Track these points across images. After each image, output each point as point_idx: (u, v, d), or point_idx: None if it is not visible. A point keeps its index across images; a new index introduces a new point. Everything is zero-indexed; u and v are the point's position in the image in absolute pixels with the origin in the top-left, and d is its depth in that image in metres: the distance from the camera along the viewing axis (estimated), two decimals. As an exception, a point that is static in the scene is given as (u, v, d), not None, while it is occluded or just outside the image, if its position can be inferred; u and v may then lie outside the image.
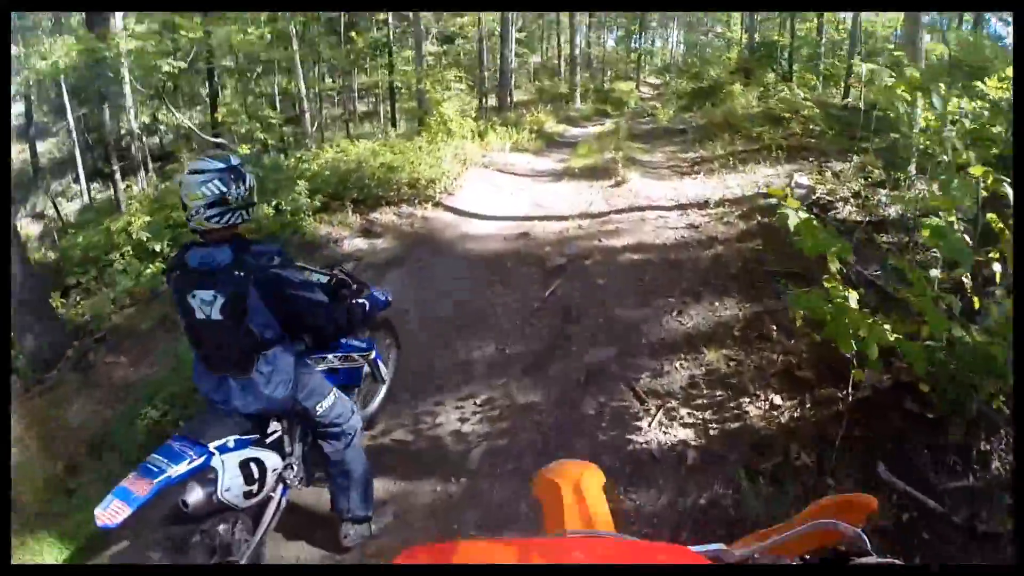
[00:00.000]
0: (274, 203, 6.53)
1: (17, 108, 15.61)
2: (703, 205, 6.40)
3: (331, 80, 16.98)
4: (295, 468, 2.77)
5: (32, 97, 16.26)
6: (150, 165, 12.30)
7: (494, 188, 8.40)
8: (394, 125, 14.85)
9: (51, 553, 3.12)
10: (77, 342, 5.28)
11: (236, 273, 2.27)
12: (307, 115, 11.98)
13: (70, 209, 14.01)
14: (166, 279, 2.51)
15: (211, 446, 2.37)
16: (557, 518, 1.15)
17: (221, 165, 2.32)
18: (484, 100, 18.17)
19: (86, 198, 13.82)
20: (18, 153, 16.36)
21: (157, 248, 6.37)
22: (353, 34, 14.05)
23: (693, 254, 5.25)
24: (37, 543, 3.16)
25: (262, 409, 2.50)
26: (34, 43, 10.85)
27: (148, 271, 6.00)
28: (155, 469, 2.24)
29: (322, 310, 2.46)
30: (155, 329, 5.23)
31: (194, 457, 2.31)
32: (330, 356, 2.95)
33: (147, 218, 6.90)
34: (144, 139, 12.37)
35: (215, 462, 2.36)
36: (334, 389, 2.72)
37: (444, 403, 3.80)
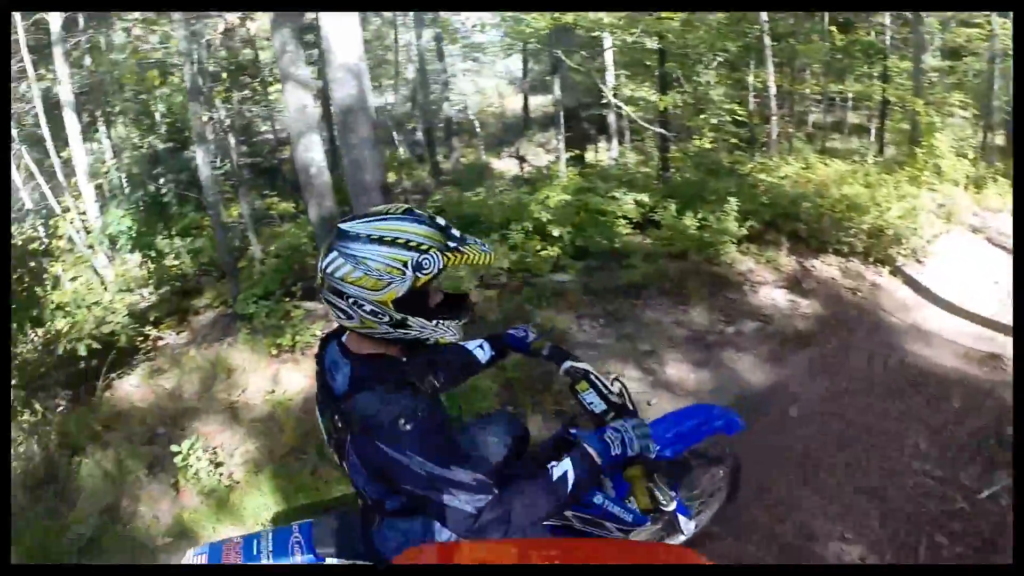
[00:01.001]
0: (700, 215, 5.88)
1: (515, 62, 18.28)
2: None
3: (813, 82, 15.18)
4: None
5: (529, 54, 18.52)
6: (625, 137, 12.70)
7: (976, 266, 6.40)
8: (882, 150, 12.74)
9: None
10: None
11: (335, 419, 1.56)
12: (773, 118, 11.00)
13: (540, 162, 14.96)
14: None
15: (319, 550, 2.00)
16: None
17: (375, 232, 1.52)
18: (988, 137, 14.35)
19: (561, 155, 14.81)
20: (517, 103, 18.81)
21: (556, 233, 5.79)
22: (833, 29, 12.23)
23: None
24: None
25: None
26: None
27: (529, 258, 5.48)
28: (256, 551, 2.02)
29: (461, 522, 1.32)
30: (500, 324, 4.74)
31: (299, 562, 2.00)
32: (568, 514, 2.02)
33: (565, 197, 6.27)
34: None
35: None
36: None
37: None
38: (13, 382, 4.36)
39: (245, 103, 10.41)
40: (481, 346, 2.14)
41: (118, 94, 11.23)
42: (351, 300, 1.48)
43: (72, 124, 8.56)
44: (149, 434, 4.19)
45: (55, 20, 8.22)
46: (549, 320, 4.92)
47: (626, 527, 2.05)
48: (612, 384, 2.02)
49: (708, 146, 8.75)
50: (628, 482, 1.60)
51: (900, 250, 5.96)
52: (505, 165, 14.53)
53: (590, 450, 1.54)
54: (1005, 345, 4.76)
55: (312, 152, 5.28)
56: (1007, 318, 5.16)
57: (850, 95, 15.05)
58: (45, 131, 8.63)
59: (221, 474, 3.79)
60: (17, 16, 7.97)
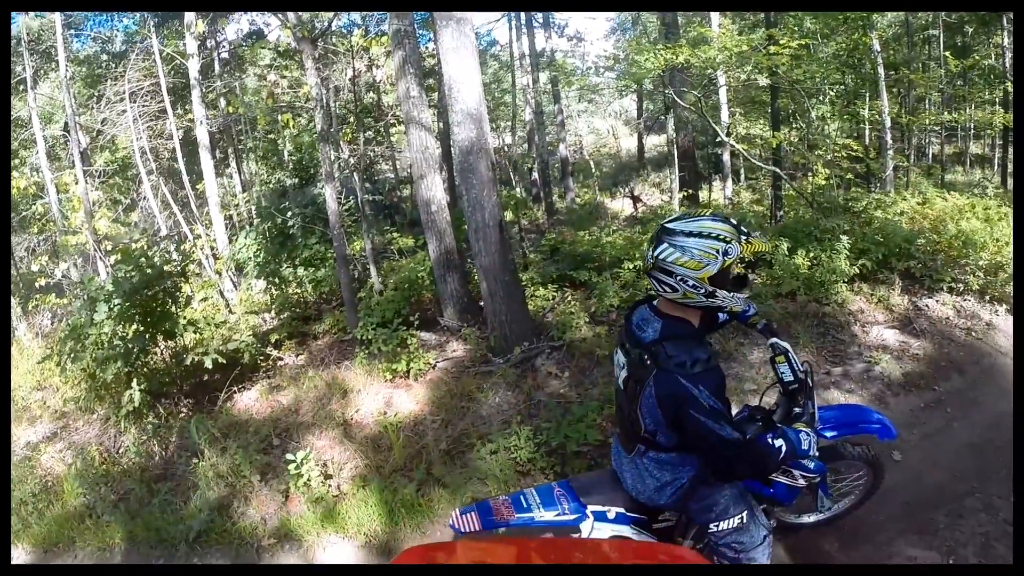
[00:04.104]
0: (811, 254, 5.73)
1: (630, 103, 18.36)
2: None
3: (931, 112, 14.28)
4: None
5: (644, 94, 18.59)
6: (740, 176, 12.59)
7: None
8: (1004, 181, 11.80)
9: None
10: (535, 342, 5.11)
11: (644, 357, 2.03)
12: (889, 152, 10.36)
13: (654, 201, 15.00)
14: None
15: (589, 508, 2.26)
16: None
17: (695, 228, 2.01)
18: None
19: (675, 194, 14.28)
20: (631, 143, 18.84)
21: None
22: (948, 54, 11.48)
23: None
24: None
25: (647, 501, 2.27)
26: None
27: (640, 295, 5.42)
28: (525, 504, 2.26)
29: (719, 445, 1.95)
30: (608, 361, 4.92)
31: (567, 511, 2.25)
32: None
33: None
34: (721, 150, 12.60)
35: (584, 525, 2.24)
36: (746, 513, 2.23)
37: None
38: (141, 387, 4.83)
39: (369, 143, 11.10)
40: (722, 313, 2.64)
41: (249, 134, 12.36)
42: (679, 278, 1.99)
43: (206, 160, 9.53)
44: (264, 444, 4.54)
45: (193, 66, 9.21)
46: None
47: (808, 474, 2.49)
48: (802, 365, 2.47)
49: (822, 183, 8.44)
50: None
51: (1019, 288, 5.48)
52: (619, 205, 14.60)
53: (792, 440, 2.14)
54: None
55: (433, 191, 5.60)
56: None
57: (971, 124, 14.06)
58: (181, 165, 9.66)
59: (330, 485, 4.05)
60: (158, 59, 9.16)
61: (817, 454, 2.30)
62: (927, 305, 5.40)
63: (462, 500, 3.82)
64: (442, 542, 1.18)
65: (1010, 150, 12.11)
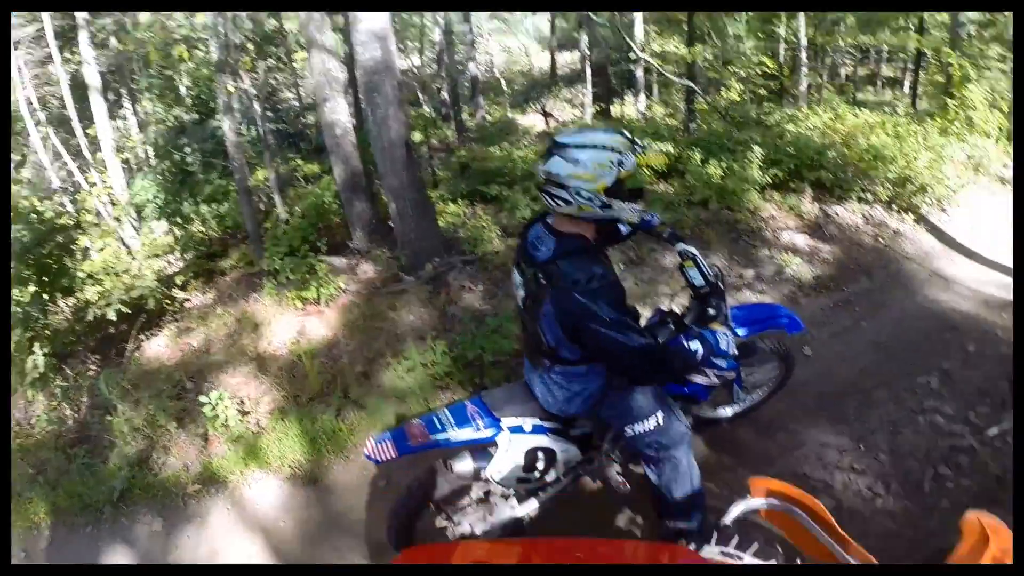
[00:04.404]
0: (724, 164, 5.79)
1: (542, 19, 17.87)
2: None
3: (846, 34, 14.49)
4: (596, 461, 2.53)
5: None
6: (653, 91, 12.57)
7: (1001, 217, 6.22)
8: (914, 102, 12.24)
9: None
10: (446, 257, 4.94)
11: (539, 276, 2.02)
12: (803, 70, 10.56)
13: (566, 116, 14.91)
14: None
15: (504, 422, 2.25)
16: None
17: (588, 141, 1.96)
18: (1026, 89, 13.65)
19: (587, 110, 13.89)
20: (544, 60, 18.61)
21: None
22: None
23: None
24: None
25: (559, 412, 2.31)
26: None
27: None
28: (438, 425, 2.23)
29: (626, 355, 1.94)
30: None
31: (482, 428, 2.24)
32: None
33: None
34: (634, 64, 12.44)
35: (501, 439, 2.25)
36: (658, 413, 2.27)
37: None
38: (45, 351, 4.54)
39: (271, 71, 10.45)
40: (623, 225, 2.62)
41: (143, 72, 11.36)
42: (572, 190, 1.94)
43: (98, 103, 8.71)
44: (178, 390, 4.34)
45: (80, 4, 8.27)
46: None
47: (721, 372, 2.49)
48: (711, 268, 2.51)
49: (736, 98, 8.54)
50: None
51: (925, 199, 5.84)
52: (531, 121, 14.42)
53: (710, 341, 2.13)
54: (1025, 293, 4.65)
55: (338, 114, 5.31)
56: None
57: (885, 47, 14.50)
58: (72, 112, 8.81)
59: (248, 422, 3.92)
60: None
61: (736, 352, 2.33)
62: (836, 213, 5.63)
63: (382, 421, 3.78)
64: (442, 543, 1.16)
65: (921, 75, 12.67)
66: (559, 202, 1.98)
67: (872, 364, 3.94)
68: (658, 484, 2.40)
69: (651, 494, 2.47)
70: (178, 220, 6.61)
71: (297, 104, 12.55)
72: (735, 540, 0.90)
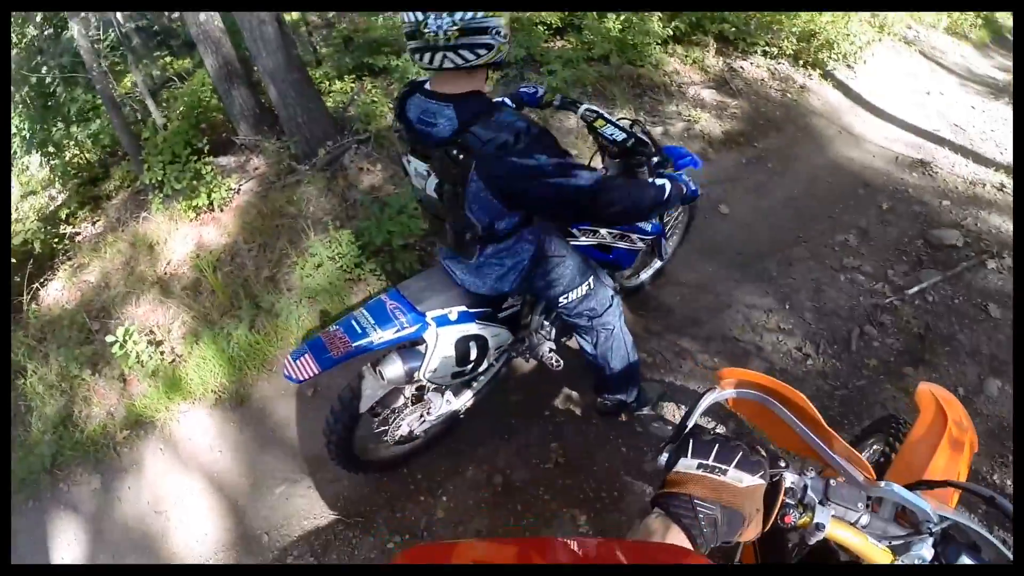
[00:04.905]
0: (622, 17, 5.46)
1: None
2: None
3: None
4: (528, 340, 2.47)
5: None
6: None
7: (908, 77, 6.36)
8: None
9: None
10: (339, 139, 4.61)
11: (454, 152, 1.68)
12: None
13: None
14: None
15: (429, 315, 2.07)
16: (930, 441, 1.43)
17: None
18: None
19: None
20: None
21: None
22: None
23: None
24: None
25: (489, 292, 2.15)
26: None
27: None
28: (359, 330, 2.02)
29: (582, 196, 1.70)
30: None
31: (405, 325, 2.04)
32: (603, 231, 2.45)
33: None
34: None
35: (428, 335, 2.08)
36: (590, 280, 2.20)
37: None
38: None
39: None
40: (504, 101, 2.28)
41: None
42: (494, 30, 1.61)
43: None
44: (84, 334, 4.00)
45: None
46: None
47: (647, 236, 2.53)
48: (621, 120, 2.37)
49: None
50: None
51: (831, 55, 5.84)
52: None
53: (680, 180, 1.97)
54: (933, 153, 4.83)
55: (199, -2, 4.72)
56: (937, 128, 5.20)
57: None
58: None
59: (163, 352, 3.67)
60: None
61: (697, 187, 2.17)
62: (742, 67, 5.55)
63: (299, 324, 3.60)
64: (442, 542, 1.06)
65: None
66: (480, 51, 1.62)
67: (789, 221, 4.00)
68: (594, 355, 2.37)
69: (588, 367, 2.45)
70: (51, 149, 5.92)
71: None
72: (715, 449, 0.83)
